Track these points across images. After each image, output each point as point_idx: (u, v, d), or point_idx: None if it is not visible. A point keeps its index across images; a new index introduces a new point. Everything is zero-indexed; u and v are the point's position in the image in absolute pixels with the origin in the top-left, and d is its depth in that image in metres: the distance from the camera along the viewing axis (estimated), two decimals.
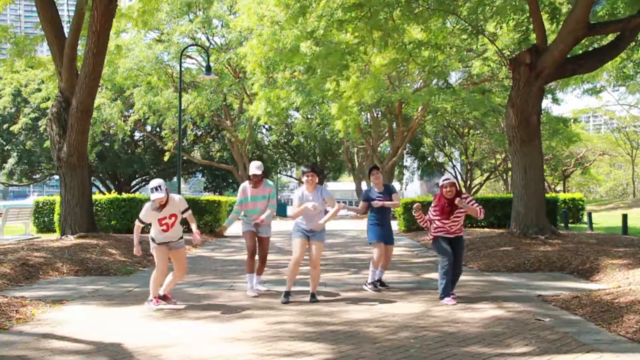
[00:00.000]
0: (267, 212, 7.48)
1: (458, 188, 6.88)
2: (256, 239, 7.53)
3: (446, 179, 6.82)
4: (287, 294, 6.80)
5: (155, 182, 6.34)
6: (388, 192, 7.80)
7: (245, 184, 7.55)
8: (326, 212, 6.79)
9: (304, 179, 6.78)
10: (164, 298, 6.67)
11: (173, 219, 6.47)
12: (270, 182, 7.61)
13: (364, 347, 4.84)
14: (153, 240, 6.56)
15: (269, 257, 11.73)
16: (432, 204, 6.92)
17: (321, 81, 16.93)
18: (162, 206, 6.37)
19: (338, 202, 6.98)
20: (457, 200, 6.66)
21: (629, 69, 18.16)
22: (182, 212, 6.54)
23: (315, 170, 6.84)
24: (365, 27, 13.18)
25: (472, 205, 6.71)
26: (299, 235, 6.77)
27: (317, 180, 6.82)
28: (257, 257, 7.62)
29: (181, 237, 6.70)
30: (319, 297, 6.94)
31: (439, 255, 6.93)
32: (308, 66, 15.29)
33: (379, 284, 7.76)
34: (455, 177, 42.72)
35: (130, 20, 15.92)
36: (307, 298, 6.85)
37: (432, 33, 14.82)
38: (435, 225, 6.88)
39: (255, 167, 7.42)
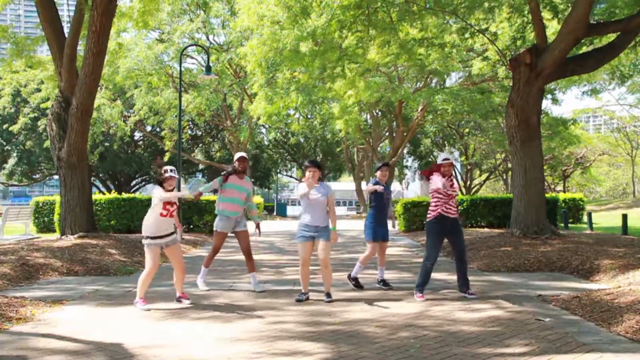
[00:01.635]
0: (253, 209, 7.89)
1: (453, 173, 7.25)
2: (225, 239, 7.80)
3: (446, 159, 6.97)
4: (303, 294, 6.89)
5: (169, 167, 6.61)
6: (388, 189, 7.90)
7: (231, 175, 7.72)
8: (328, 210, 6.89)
9: (307, 173, 6.82)
10: (179, 300, 6.76)
11: (175, 206, 6.61)
12: (250, 179, 7.92)
13: (364, 347, 4.84)
14: (148, 236, 6.57)
15: (269, 257, 11.77)
16: (434, 176, 6.95)
17: (319, 77, 16.88)
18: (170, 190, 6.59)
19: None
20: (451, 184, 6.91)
21: (624, 68, 18.15)
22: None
23: (317, 164, 6.86)
24: (364, 27, 13.20)
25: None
26: (302, 239, 6.79)
27: (318, 175, 6.82)
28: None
29: (174, 232, 6.71)
30: (322, 297, 6.93)
31: (426, 248, 7.11)
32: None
33: (382, 284, 7.78)
34: (455, 177, 42.72)
35: (130, 20, 15.93)
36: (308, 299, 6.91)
37: (429, 31, 14.82)
38: (434, 202, 6.94)
39: (240, 154, 7.72)
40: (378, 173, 7.90)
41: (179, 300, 6.76)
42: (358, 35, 13.70)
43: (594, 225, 16.75)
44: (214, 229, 7.77)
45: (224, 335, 5.24)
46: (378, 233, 7.67)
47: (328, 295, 6.85)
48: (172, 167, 6.66)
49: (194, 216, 16.92)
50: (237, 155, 7.75)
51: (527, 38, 14.67)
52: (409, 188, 66.04)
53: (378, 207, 7.75)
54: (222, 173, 7.71)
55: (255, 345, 4.90)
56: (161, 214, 6.53)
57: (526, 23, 13.83)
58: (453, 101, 22.78)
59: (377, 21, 13.24)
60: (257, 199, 28.71)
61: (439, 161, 7.04)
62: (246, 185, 7.75)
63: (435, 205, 6.93)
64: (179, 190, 6.80)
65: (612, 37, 12.83)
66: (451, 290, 7.44)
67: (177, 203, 6.71)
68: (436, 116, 28.92)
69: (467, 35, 14.35)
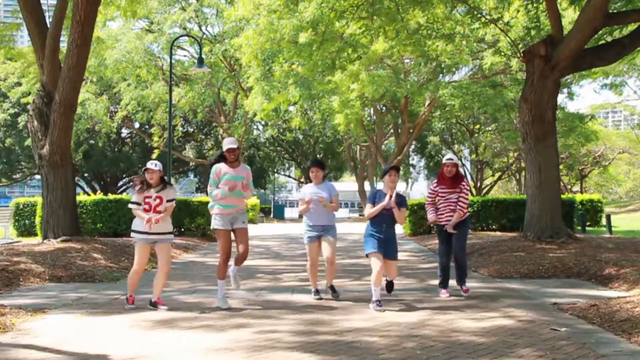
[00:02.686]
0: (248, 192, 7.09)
1: (459, 171, 7.65)
2: (231, 236, 7.03)
3: (449, 159, 7.48)
4: (317, 291, 7.45)
5: (154, 161, 6.97)
6: (398, 201, 7.00)
7: (220, 164, 6.99)
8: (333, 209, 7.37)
9: (311, 174, 7.35)
10: (154, 305, 6.87)
11: (158, 200, 6.82)
12: (247, 166, 7.27)
13: (365, 358, 4.85)
14: (136, 231, 6.85)
15: (265, 262, 11.77)
16: (432, 184, 7.62)
17: (317, 67, 16.85)
18: (149, 185, 6.81)
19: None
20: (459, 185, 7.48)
21: None
22: (168, 201, 6.89)
23: (318, 164, 7.38)
24: (368, 14, 13.22)
25: (462, 201, 7.42)
26: (309, 240, 7.30)
27: (322, 175, 7.32)
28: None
29: (170, 233, 6.96)
30: (320, 304, 6.98)
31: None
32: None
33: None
34: (465, 176, 42.66)
35: (118, 9, 15.93)
36: (307, 306, 6.96)
37: (436, 18, 14.82)
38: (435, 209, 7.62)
39: (230, 142, 6.96)
40: (386, 178, 6.99)
41: (153, 304, 6.92)
42: (362, 24, 13.72)
43: (613, 229, 16.75)
44: (212, 227, 7.03)
45: (215, 346, 5.24)
46: (377, 243, 6.98)
47: (332, 288, 7.30)
48: (155, 162, 6.91)
49: (185, 219, 16.92)
50: (226, 145, 6.96)
51: (541, 28, 14.66)
52: (413, 188, 66.01)
53: (376, 219, 7.02)
54: (213, 160, 7.08)
55: (248, 357, 4.90)
56: (144, 210, 6.85)
57: (541, 12, 13.82)
58: (461, 96, 22.75)
59: (382, 8, 13.26)
60: (253, 201, 28.69)
61: (443, 160, 7.67)
62: (242, 173, 6.97)
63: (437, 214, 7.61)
64: (168, 183, 7.01)
65: (633, 27, 12.81)
66: (459, 298, 7.44)
67: (162, 197, 6.86)
68: (444, 112, 28.89)
69: (476, 23, 14.36)
